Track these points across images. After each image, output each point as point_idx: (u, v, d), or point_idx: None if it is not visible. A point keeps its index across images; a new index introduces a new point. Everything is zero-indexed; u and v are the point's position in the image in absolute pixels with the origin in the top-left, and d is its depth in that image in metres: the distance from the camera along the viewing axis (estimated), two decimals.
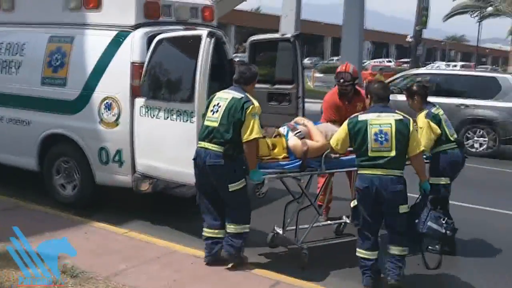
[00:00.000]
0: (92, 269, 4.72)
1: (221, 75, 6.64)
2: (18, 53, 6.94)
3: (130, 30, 6.18)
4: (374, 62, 48.03)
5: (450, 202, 5.71)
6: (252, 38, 7.69)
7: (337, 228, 6.16)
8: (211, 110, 4.97)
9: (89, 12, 6.46)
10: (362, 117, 4.71)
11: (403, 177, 4.62)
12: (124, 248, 5.37)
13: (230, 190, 4.87)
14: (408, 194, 4.68)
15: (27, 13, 7.00)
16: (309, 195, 5.54)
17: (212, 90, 5.34)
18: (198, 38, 5.47)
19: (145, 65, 5.94)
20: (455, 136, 5.70)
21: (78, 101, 6.39)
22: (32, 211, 6.24)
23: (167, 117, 5.69)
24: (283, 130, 5.47)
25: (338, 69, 6.35)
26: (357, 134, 4.64)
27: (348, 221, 5.95)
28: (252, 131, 4.77)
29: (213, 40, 5.44)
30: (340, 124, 5.09)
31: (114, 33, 6.25)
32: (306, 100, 7.15)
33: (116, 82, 6.18)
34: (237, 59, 9.88)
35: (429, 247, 5.50)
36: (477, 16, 48.14)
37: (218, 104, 4.95)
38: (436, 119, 5.52)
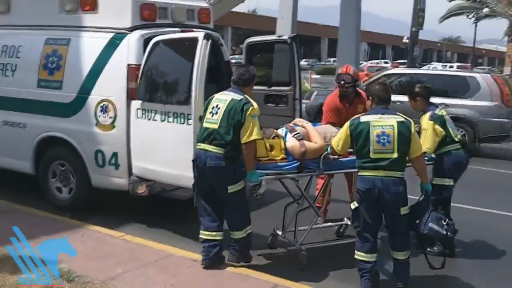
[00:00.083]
0: (88, 273, 4.68)
1: (218, 77, 6.62)
2: (14, 55, 6.91)
3: (127, 32, 6.16)
4: (371, 63, 48.11)
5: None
6: (249, 39, 7.68)
7: (338, 230, 6.15)
8: (210, 112, 4.95)
9: (86, 15, 6.43)
10: (364, 118, 4.71)
11: (404, 179, 4.63)
12: (121, 251, 5.33)
13: (229, 191, 4.86)
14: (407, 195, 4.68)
15: (23, 15, 6.96)
16: (308, 197, 5.53)
17: (209, 92, 5.32)
18: (194, 40, 5.45)
19: (141, 67, 5.92)
20: (459, 136, 5.69)
21: (74, 103, 6.36)
22: (27, 215, 6.20)
23: (164, 120, 5.67)
24: (281, 131, 5.46)
25: (339, 71, 6.34)
26: (359, 136, 4.64)
27: (349, 223, 5.93)
28: (251, 132, 4.77)
29: (209, 42, 5.42)
30: (340, 126, 5.08)
31: (110, 35, 6.23)
32: (303, 101, 7.13)
33: (112, 85, 6.15)
34: (233, 61, 9.87)
35: (428, 249, 5.48)
36: (473, 17, 48.26)
37: (217, 106, 4.93)
38: (440, 120, 5.52)
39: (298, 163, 5.12)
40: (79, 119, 6.33)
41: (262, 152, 5.07)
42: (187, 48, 5.56)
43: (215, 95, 5.07)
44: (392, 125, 4.59)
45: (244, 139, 4.78)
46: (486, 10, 43.61)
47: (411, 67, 22.27)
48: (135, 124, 5.95)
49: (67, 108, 6.41)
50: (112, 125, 6.11)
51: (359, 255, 4.74)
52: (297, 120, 5.79)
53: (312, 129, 5.46)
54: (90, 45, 6.36)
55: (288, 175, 5.18)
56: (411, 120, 4.73)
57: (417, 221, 4.83)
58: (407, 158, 4.69)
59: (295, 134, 5.29)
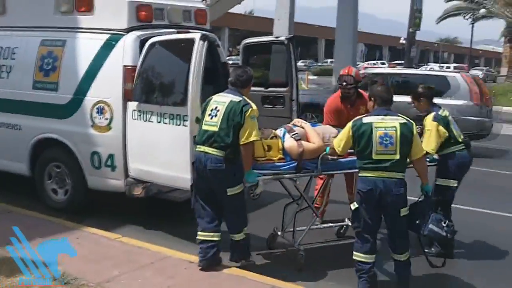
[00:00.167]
0: (84, 276, 4.65)
1: (214, 78, 6.61)
2: (9, 57, 6.87)
3: (123, 33, 6.13)
4: (368, 64, 48.18)
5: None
6: (246, 40, 7.66)
7: (338, 231, 6.13)
8: (209, 114, 4.93)
9: (81, 16, 6.40)
10: (366, 119, 4.71)
11: (405, 180, 4.64)
12: (117, 253, 5.31)
13: (228, 194, 4.86)
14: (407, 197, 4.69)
15: (18, 16, 6.92)
16: (307, 197, 5.52)
17: (205, 94, 5.30)
18: (191, 41, 5.42)
19: (137, 68, 5.89)
20: (462, 137, 5.68)
21: (70, 105, 6.33)
22: (23, 216, 6.16)
23: (160, 121, 5.64)
24: (280, 131, 5.45)
25: (341, 72, 6.33)
26: (361, 137, 4.63)
27: (350, 223, 5.91)
28: (250, 134, 4.76)
29: (206, 43, 5.40)
30: (341, 128, 5.07)
31: (106, 36, 6.20)
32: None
33: (108, 86, 6.12)
34: (230, 62, 9.85)
35: (426, 250, 5.47)
36: (470, 18, 48.33)
37: (216, 108, 4.91)
38: (444, 121, 5.51)
39: (296, 163, 5.12)
40: (75, 120, 6.30)
41: (260, 152, 5.07)
42: (183, 49, 5.55)
43: (212, 97, 5.05)
44: (395, 127, 4.60)
45: (242, 140, 4.77)
46: (483, 11, 43.64)
47: (408, 67, 22.34)
48: (131, 126, 5.92)
49: (63, 110, 6.38)
50: (108, 127, 6.08)
51: (357, 256, 4.73)
52: (296, 121, 5.80)
53: (310, 130, 5.46)
54: (86, 47, 6.33)
55: (286, 175, 5.17)
56: (413, 122, 4.74)
57: (417, 222, 4.83)
58: (408, 159, 4.70)
59: (293, 134, 5.28)
